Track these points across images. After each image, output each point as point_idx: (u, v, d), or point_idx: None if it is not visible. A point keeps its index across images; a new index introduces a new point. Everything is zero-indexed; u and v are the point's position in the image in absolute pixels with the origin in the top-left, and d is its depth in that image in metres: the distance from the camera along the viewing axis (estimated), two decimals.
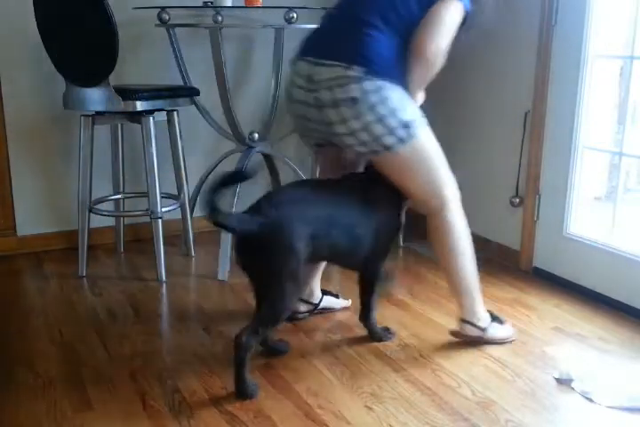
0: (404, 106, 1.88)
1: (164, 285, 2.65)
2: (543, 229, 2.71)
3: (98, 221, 2.95)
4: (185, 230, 2.96)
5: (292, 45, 3.23)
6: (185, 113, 2.91)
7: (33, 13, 2.52)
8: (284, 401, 1.80)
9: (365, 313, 2.16)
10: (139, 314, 2.37)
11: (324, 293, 2.36)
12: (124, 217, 3.05)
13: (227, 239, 2.71)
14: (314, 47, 1.95)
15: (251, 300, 2.49)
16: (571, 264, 2.59)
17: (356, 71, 1.82)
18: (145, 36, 3.01)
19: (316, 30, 2.03)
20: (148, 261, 2.83)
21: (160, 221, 2.66)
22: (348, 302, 2.41)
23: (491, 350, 2.09)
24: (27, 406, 1.78)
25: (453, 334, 2.14)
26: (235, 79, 3.22)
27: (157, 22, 2.82)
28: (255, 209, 1.79)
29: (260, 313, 1.87)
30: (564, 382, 1.89)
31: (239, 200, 2.81)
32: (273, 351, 2.04)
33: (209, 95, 2.90)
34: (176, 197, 2.92)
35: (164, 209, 2.70)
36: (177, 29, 2.86)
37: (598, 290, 2.46)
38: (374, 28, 1.85)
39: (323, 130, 1.95)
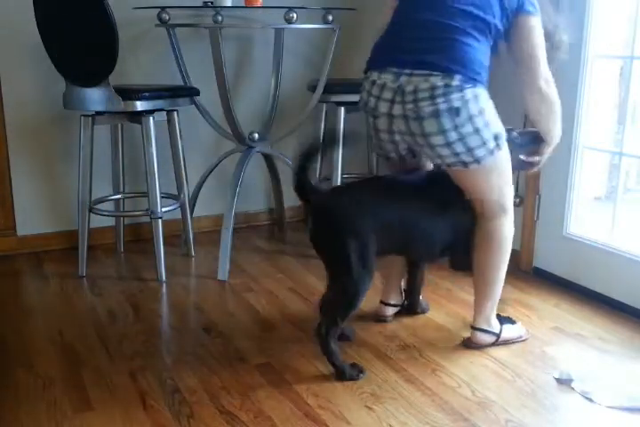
0: (495, 117, 1.90)
1: (164, 285, 2.65)
2: (543, 229, 2.71)
3: (98, 221, 2.95)
4: (185, 230, 2.96)
5: (291, 45, 3.24)
6: (185, 113, 2.92)
7: (33, 13, 2.52)
8: (284, 401, 1.80)
9: (414, 295, 2.33)
10: (139, 314, 2.37)
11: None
12: (124, 217, 3.05)
13: (227, 239, 2.71)
14: (396, 57, 1.89)
15: (250, 300, 2.49)
16: (571, 264, 2.59)
17: (456, 80, 1.80)
18: (145, 36, 3.01)
19: (388, 38, 1.96)
20: (148, 261, 2.83)
21: (160, 221, 2.66)
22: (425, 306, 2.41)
23: (491, 350, 2.09)
24: (27, 406, 1.78)
25: (466, 344, 2.13)
26: (235, 79, 3.22)
27: (157, 22, 2.82)
28: (337, 192, 2.04)
29: (334, 301, 1.91)
30: (564, 382, 1.89)
31: (238, 199, 2.81)
32: (340, 337, 2.00)
33: (209, 95, 2.90)
34: (176, 197, 2.92)
35: (164, 209, 2.70)
36: (177, 29, 2.86)
37: (598, 290, 2.46)
38: (467, 34, 1.83)
39: (409, 141, 1.92)
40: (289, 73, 3.21)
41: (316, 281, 2.68)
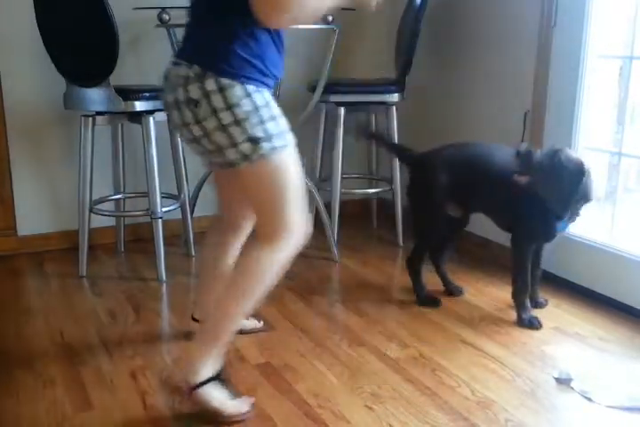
0: (264, 118, 1.62)
1: (164, 285, 2.65)
2: None
3: (98, 221, 2.95)
4: (185, 230, 2.96)
5: (291, 45, 3.24)
6: None
7: (33, 13, 2.52)
8: (284, 401, 1.80)
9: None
10: (139, 314, 2.38)
11: None
12: (124, 217, 3.05)
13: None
14: (179, 47, 1.75)
15: None
16: (571, 264, 2.59)
17: (195, 69, 1.60)
18: (145, 36, 3.01)
19: None
20: (149, 260, 2.83)
21: (160, 221, 2.67)
22: (259, 324, 2.20)
23: (491, 350, 2.09)
24: (27, 406, 1.78)
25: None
26: None
27: (157, 23, 2.82)
28: (421, 154, 2.38)
29: (416, 241, 2.45)
30: (563, 382, 1.89)
31: None
32: (450, 292, 2.52)
33: None
34: (176, 197, 2.93)
35: (164, 209, 2.70)
36: (177, 29, 2.86)
37: (598, 290, 2.46)
38: (205, 19, 1.63)
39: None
40: (289, 73, 3.20)
41: (316, 281, 2.68)
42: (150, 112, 2.61)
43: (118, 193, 3.01)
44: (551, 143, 2.57)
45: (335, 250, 2.92)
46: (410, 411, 1.75)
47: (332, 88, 2.90)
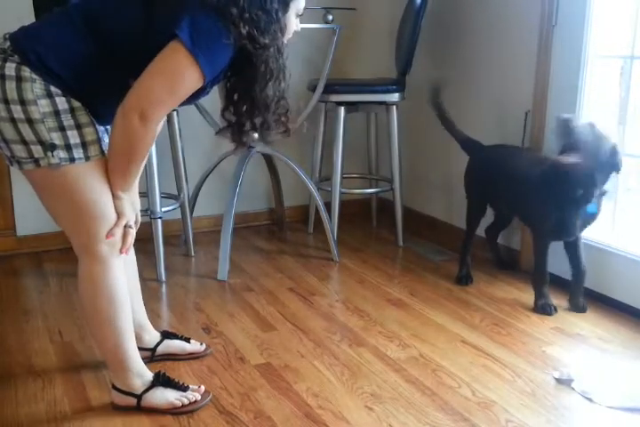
0: (59, 121, 1.48)
1: (164, 285, 2.65)
2: None
3: None
4: (185, 230, 2.96)
5: (291, 45, 3.23)
6: (185, 113, 2.91)
7: (34, 14, 2.52)
8: (284, 401, 1.80)
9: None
10: None
11: (167, 335, 2.03)
12: None
13: (227, 239, 2.71)
14: None
15: (250, 299, 2.49)
16: None
17: (4, 45, 1.48)
18: None
19: None
20: (148, 260, 2.82)
21: (160, 220, 2.66)
22: (200, 347, 2.05)
23: (491, 350, 2.09)
24: (27, 406, 1.78)
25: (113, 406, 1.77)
26: None
27: None
28: (473, 142, 2.65)
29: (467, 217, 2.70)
30: (564, 382, 1.89)
31: (238, 199, 2.81)
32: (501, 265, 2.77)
33: (209, 95, 2.89)
34: (176, 197, 2.92)
35: (163, 209, 2.70)
36: None
37: (598, 290, 2.46)
38: (58, 12, 1.53)
39: None
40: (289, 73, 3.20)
41: (316, 281, 2.68)
42: None
43: None
44: (552, 143, 2.58)
45: (335, 250, 2.92)
46: (410, 411, 1.75)
47: (331, 88, 2.90)
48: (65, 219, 1.62)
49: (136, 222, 1.69)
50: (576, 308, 2.37)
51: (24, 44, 1.47)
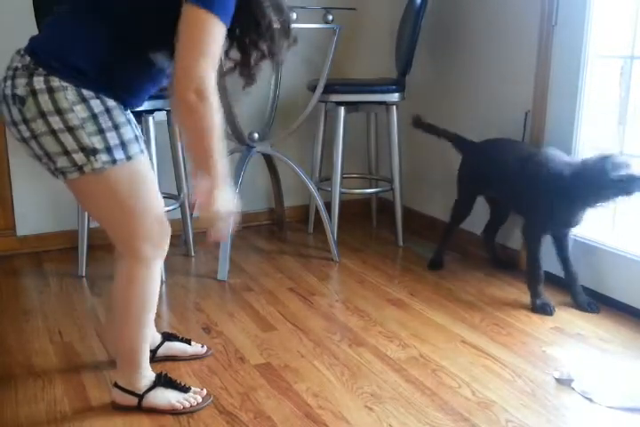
0: (97, 124, 1.49)
1: (164, 285, 2.65)
2: None
3: None
4: (185, 230, 2.96)
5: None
6: None
7: (34, 14, 2.52)
8: (284, 401, 1.80)
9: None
10: None
11: (168, 337, 2.04)
12: None
13: (226, 239, 2.70)
14: None
15: (250, 299, 2.49)
16: None
17: (26, 61, 1.47)
18: None
19: None
20: None
21: None
22: (201, 349, 2.05)
23: (491, 350, 2.09)
24: (27, 406, 1.78)
25: (113, 405, 1.78)
26: (234, 79, 3.21)
27: None
28: (464, 139, 2.70)
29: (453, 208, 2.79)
30: (564, 382, 1.89)
31: (238, 199, 2.80)
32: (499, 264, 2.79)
33: None
34: (176, 197, 2.92)
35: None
36: None
37: (598, 290, 2.46)
38: (71, 14, 1.53)
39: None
40: (289, 73, 3.20)
41: (316, 281, 2.68)
42: (150, 112, 2.61)
43: None
44: (552, 143, 2.58)
45: (335, 250, 2.92)
46: (410, 411, 1.75)
47: (331, 88, 2.90)
48: (109, 221, 1.63)
49: (228, 215, 1.71)
50: (587, 307, 2.38)
51: (44, 55, 1.48)
